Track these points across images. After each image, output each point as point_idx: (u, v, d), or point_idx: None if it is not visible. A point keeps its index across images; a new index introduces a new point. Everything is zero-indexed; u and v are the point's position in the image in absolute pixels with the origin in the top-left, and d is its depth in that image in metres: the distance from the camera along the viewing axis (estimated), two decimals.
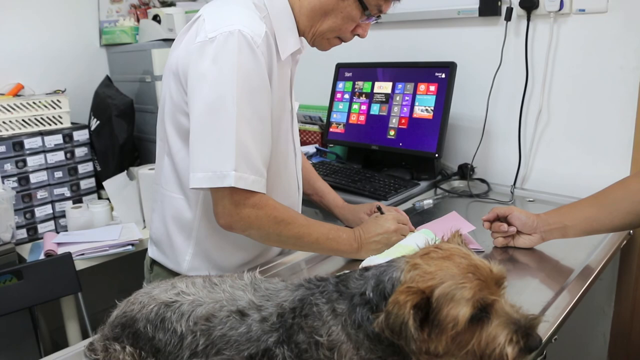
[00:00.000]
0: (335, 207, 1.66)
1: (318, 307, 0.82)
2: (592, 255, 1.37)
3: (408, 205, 1.82)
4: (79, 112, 2.63)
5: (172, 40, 1.36)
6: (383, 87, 2.15)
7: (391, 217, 1.40)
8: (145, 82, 2.56)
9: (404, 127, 2.06)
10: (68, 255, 1.97)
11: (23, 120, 2.35)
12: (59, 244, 2.17)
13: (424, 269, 0.77)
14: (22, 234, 2.33)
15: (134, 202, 2.39)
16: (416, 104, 2.04)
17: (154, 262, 1.47)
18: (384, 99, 2.13)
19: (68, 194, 2.46)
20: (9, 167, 2.27)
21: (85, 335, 2.10)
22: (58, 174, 2.42)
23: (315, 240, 1.29)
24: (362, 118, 2.19)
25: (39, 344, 1.99)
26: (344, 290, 0.82)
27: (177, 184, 1.35)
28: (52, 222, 2.42)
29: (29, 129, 2.36)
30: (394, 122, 2.09)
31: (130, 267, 2.04)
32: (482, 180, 2.02)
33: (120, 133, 2.49)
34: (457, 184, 2.05)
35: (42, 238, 2.32)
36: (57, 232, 2.37)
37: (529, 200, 1.86)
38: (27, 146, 2.32)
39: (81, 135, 2.48)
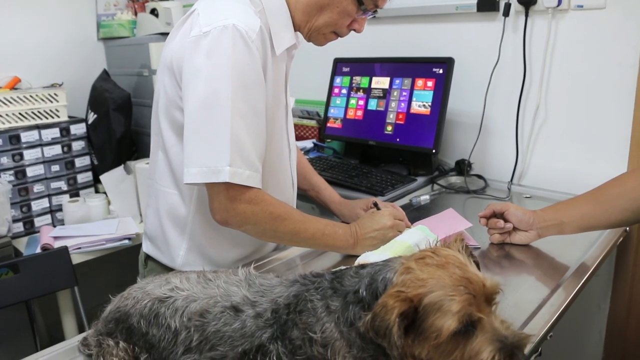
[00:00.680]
0: (331, 202, 1.66)
1: (313, 303, 0.82)
2: (588, 252, 1.37)
3: (405, 200, 1.82)
4: (76, 106, 2.63)
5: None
6: (380, 82, 2.14)
7: (387, 213, 1.39)
8: (143, 76, 2.56)
9: (402, 122, 2.05)
10: (64, 249, 1.96)
11: (20, 113, 2.34)
12: (55, 237, 2.17)
13: (417, 274, 0.76)
14: (19, 227, 2.33)
15: (130, 196, 2.39)
16: (414, 99, 2.03)
17: (148, 257, 1.47)
18: (382, 94, 2.13)
19: (65, 187, 2.46)
20: (5, 160, 2.27)
21: (81, 329, 2.10)
22: (55, 168, 2.41)
23: (311, 236, 1.29)
24: (360, 113, 2.19)
25: (35, 338, 1.99)
26: (338, 287, 0.82)
27: (171, 179, 1.34)
28: (48, 216, 2.42)
29: (26, 123, 2.36)
30: (391, 117, 2.08)
31: (127, 261, 2.03)
32: (479, 177, 2.01)
33: (118, 127, 2.48)
34: (454, 179, 2.05)
35: (38, 232, 2.32)
36: (54, 226, 2.36)
37: (526, 197, 1.86)
38: (23, 139, 2.31)
39: (78, 129, 2.47)
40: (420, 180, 1.99)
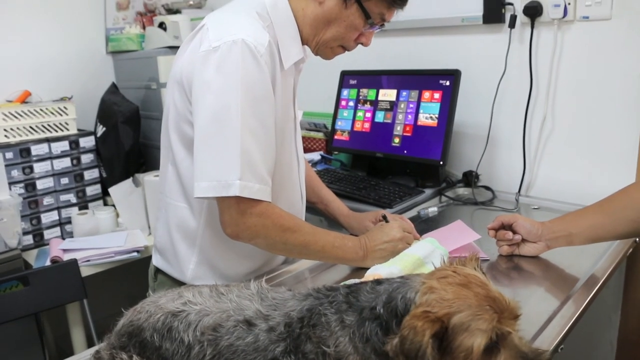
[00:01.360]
0: (340, 215, 1.66)
1: (327, 317, 0.82)
2: (597, 264, 1.36)
3: (413, 213, 1.83)
4: (85, 119, 2.65)
5: (178, 47, 1.36)
6: (387, 94, 2.16)
7: (397, 225, 1.40)
8: (151, 89, 2.58)
9: (409, 134, 2.06)
10: (74, 262, 1.97)
11: (30, 127, 2.37)
12: (64, 250, 2.18)
13: (442, 294, 0.76)
14: (29, 240, 2.34)
15: (139, 208, 2.40)
16: (421, 111, 2.04)
17: (158, 271, 1.48)
18: (389, 107, 2.14)
19: (74, 200, 2.47)
20: (16, 173, 2.29)
21: (90, 342, 2.10)
22: (64, 181, 2.43)
23: (321, 248, 1.29)
24: (367, 125, 2.20)
25: (44, 350, 2.00)
26: (353, 302, 0.82)
27: (181, 193, 1.35)
28: (58, 229, 2.44)
29: (36, 136, 2.38)
30: (398, 129, 2.09)
31: (135, 274, 2.04)
32: (487, 188, 2.02)
33: (126, 140, 2.50)
34: (462, 191, 2.05)
35: (48, 244, 2.33)
36: (63, 239, 2.38)
37: (534, 208, 1.86)
38: (34, 153, 2.33)
39: (87, 142, 2.49)
40: (428, 192, 1.99)
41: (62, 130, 2.45)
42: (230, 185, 1.16)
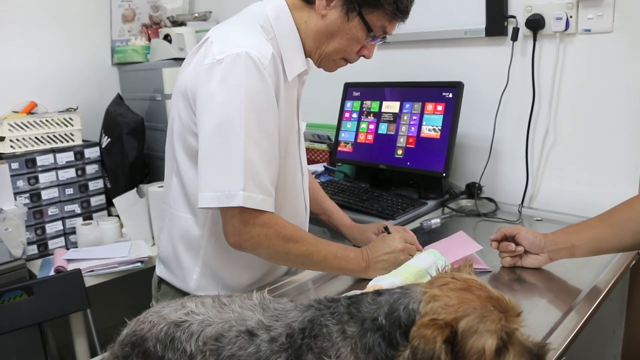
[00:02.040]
0: (343, 226, 1.67)
1: (328, 328, 0.82)
2: (600, 275, 1.36)
3: (416, 224, 1.83)
4: (90, 130, 2.67)
5: (183, 59, 1.38)
6: (391, 106, 2.17)
7: (399, 237, 1.41)
8: (156, 101, 2.60)
9: (412, 146, 2.07)
10: (78, 272, 1.98)
11: (36, 137, 2.39)
12: (69, 260, 2.19)
13: (445, 301, 0.77)
14: (33, 250, 2.35)
15: (143, 219, 2.41)
16: (424, 123, 2.05)
17: (161, 281, 1.48)
18: (392, 119, 2.15)
19: (78, 210, 2.49)
20: (21, 183, 2.31)
21: (93, 352, 2.11)
22: (69, 191, 2.45)
23: (323, 259, 1.30)
24: (370, 137, 2.21)
25: None
26: (355, 313, 0.83)
27: (185, 204, 1.36)
28: (62, 239, 2.45)
29: (42, 146, 2.40)
30: (401, 141, 2.10)
31: (139, 284, 2.05)
32: (490, 200, 2.02)
33: (131, 151, 2.52)
34: (465, 203, 2.05)
35: (52, 254, 2.34)
36: (67, 249, 2.39)
37: (537, 220, 1.86)
38: (39, 163, 2.35)
39: (92, 153, 2.51)
40: (431, 203, 1.99)
41: (67, 141, 2.47)
42: (234, 195, 1.17)
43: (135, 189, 2.50)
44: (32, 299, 1.88)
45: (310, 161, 2.49)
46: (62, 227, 2.45)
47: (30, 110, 2.56)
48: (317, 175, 2.36)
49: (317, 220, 1.72)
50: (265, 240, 1.23)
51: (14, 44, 2.59)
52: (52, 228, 2.41)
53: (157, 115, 2.61)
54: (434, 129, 2.02)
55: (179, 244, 1.39)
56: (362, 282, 1.35)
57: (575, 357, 1.18)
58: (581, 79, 1.84)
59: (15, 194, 2.26)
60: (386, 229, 1.51)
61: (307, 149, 2.48)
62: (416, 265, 1.29)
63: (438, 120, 2.01)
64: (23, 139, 2.35)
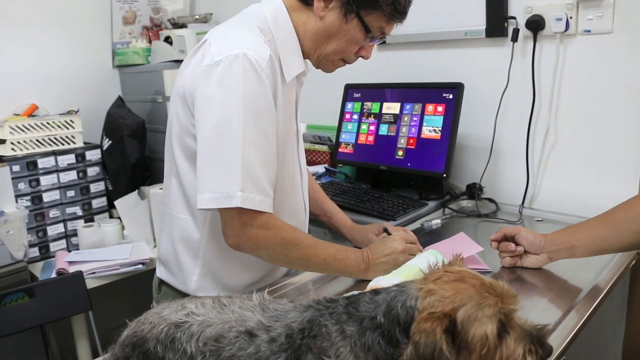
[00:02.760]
0: (343, 227, 1.67)
1: (327, 328, 0.83)
2: (600, 275, 1.37)
3: (416, 225, 1.83)
4: (92, 132, 2.68)
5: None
6: (391, 107, 2.17)
7: (399, 238, 1.41)
8: (157, 103, 2.60)
9: (412, 147, 2.07)
10: (79, 274, 1.99)
11: (37, 140, 2.39)
12: (70, 262, 2.20)
13: (441, 293, 0.78)
14: (35, 252, 2.36)
15: (144, 221, 2.41)
16: (424, 124, 2.05)
17: (162, 283, 1.49)
18: (393, 120, 2.15)
19: (80, 212, 2.49)
20: (22, 186, 2.31)
21: (95, 354, 2.11)
22: (70, 193, 2.45)
23: (322, 261, 1.30)
24: (371, 138, 2.21)
25: None
26: (353, 313, 0.83)
27: (184, 205, 1.36)
28: (64, 241, 2.45)
29: (43, 149, 2.40)
30: (402, 142, 2.10)
31: (140, 286, 2.05)
32: (491, 200, 2.02)
33: (132, 153, 2.52)
34: (466, 203, 2.05)
35: (54, 256, 2.35)
36: (69, 251, 2.39)
37: (538, 220, 1.86)
38: (40, 166, 2.36)
39: (93, 155, 2.52)
40: (432, 204, 2.00)
41: (68, 144, 2.48)
42: (232, 196, 1.18)
43: (137, 191, 2.51)
44: (33, 301, 1.89)
45: (311, 162, 2.50)
46: (63, 230, 2.45)
47: (32, 112, 2.56)
48: (318, 176, 2.36)
49: (318, 221, 1.72)
50: (264, 241, 1.24)
51: (15, 47, 2.60)
52: (53, 230, 2.42)
53: (158, 117, 2.62)
54: (434, 130, 2.02)
55: (179, 245, 1.40)
56: (362, 282, 1.35)
57: (575, 356, 1.18)
58: (581, 79, 1.84)
59: (17, 196, 2.27)
60: (386, 230, 1.51)
61: (307, 150, 2.48)
62: (416, 266, 1.29)
63: (438, 121, 2.01)
64: (24, 141, 2.36)
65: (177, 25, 2.92)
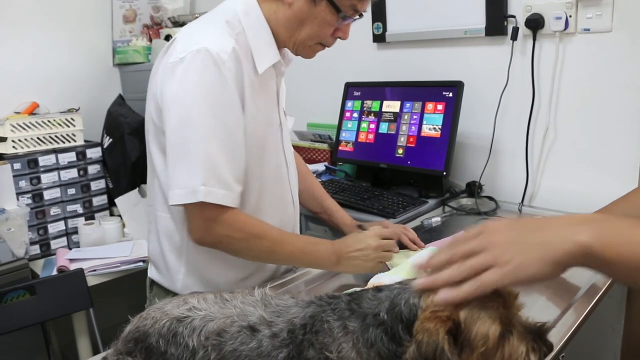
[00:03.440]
0: (343, 225, 1.67)
1: (329, 323, 0.83)
2: (599, 273, 1.37)
3: (416, 222, 1.84)
4: (92, 130, 2.68)
5: None
6: (391, 106, 2.18)
7: (373, 234, 1.37)
8: None
9: (412, 145, 2.08)
10: (80, 272, 1.99)
11: (38, 138, 2.40)
12: (71, 260, 2.21)
13: None
14: (35, 249, 2.37)
15: (145, 219, 2.40)
16: (424, 122, 2.06)
17: (153, 282, 1.48)
18: (393, 118, 2.16)
19: (80, 210, 2.50)
20: (23, 184, 2.32)
21: (95, 351, 2.12)
22: (71, 191, 2.46)
23: (289, 254, 1.31)
24: (371, 137, 2.22)
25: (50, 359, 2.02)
26: (356, 309, 0.84)
27: (164, 204, 1.36)
28: (64, 239, 2.46)
29: (44, 147, 2.41)
30: (402, 140, 2.11)
31: (141, 284, 2.04)
32: (490, 198, 2.03)
33: (132, 151, 2.53)
34: (465, 201, 2.06)
35: (54, 254, 2.35)
36: (70, 248, 2.40)
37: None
38: (41, 163, 2.36)
39: (94, 153, 2.53)
40: (432, 202, 2.00)
41: (69, 142, 2.48)
42: (196, 191, 1.19)
43: (137, 189, 2.51)
44: (34, 298, 1.89)
45: (311, 161, 2.50)
46: (64, 227, 2.46)
47: (32, 110, 2.57)
48: (318, 174, 2.37)
49: (318, 219, 1.73)
50: (225, 237, 1.24)
51: (15, 45, 2.60)
52: (54, 228, 2.43)
53: None
54: (434, 128, 2.03)
55: (164, 244, 1.40)
56: (363, 279, 1.35)
57: (574, 354, 1.19)
58: (581, 78, 1.84)
59: (18, 194, 2.27)
60: (360, 226, 1.50)
61: (308, 148, 2.49)
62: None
63: (438, 119, 2.02)
64: (25, 139, 2.37)
65: (178, 23, 2.93)
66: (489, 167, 2.06)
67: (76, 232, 2.45)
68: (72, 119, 2.49)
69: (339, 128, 2.34)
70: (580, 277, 1.35)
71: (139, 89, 2.76)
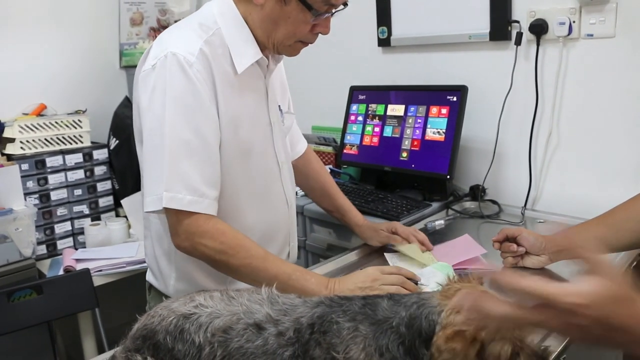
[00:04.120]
0: (355, 225, 1.65)
1: (339, 325, 0.84)
2: None
3: (420, 225, 1.85)
4: (99, 132, 2.70)
5: None
6: (396, 109, 2.19)
7: (372, 270, 1.27)
8: None
9: (416, 149, 2.09)
10: (86, 272, 2.01)
11: (45, 139, 2.42)
12: (77, 260, 2.22)
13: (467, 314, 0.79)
14: (42, 249, 2.38)
15: None
16: (428, 126, 2.07)
17: (151, 286, 1.49)
18: (397, 122, 2.17)
19: (87, 211, 2.52)
20: (31, 184, 2.34)
21: (101, 350, 2.13)
22: (78, 192, 2.48)
23: (273, 277, 1.15)
24: (376, 140, 2.23)
25: (56, 359, 2.03)
26: (370, 314, 0.84)
27: None
28: (71, 239, 2.48)
29: (51, 148, 2.43)
30: (406, 144, 2.12)
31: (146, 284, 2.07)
32: (493, 202, 2.04)
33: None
34: (469, 205, 2.07)
35: (61, 254, 2.37)
36: (76, 249, 2.42)
37: (540, 222, 1.88)
38: (48, 164, 2.38)
39: (100, 154, 2.54)
40: (435, 205, 2.02)
41: (76, 143, 2.50)
42: (161, 198, 1.18)
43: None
44: (41, 297, 1.91)
45: None
46: (70, 228, 2.48)
47: (40, 112, 2.59)
48: None
49: (331, 217, 1.73)
50: (200, 244, 1.20)
51: (23, 47, 2.62)
52: (61, 228, 2.45)
53: None
54: (438, 132, 2.04)
55: (157, 249, 1.41)
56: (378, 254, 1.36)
57: (575, 356, 1.19)
58: (584, 83, 1.86)
59: (25, 194, 2.29)
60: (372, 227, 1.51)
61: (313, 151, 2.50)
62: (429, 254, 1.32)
63: (442, 123, 2.03)
64: (33, 140, 2.39)
65: None
66: (492, 171, 2.07)
67: (82, 233, 2.46)
68: (79, 120, 2.51)
69: (344, 131, 2.35)
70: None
71: None
